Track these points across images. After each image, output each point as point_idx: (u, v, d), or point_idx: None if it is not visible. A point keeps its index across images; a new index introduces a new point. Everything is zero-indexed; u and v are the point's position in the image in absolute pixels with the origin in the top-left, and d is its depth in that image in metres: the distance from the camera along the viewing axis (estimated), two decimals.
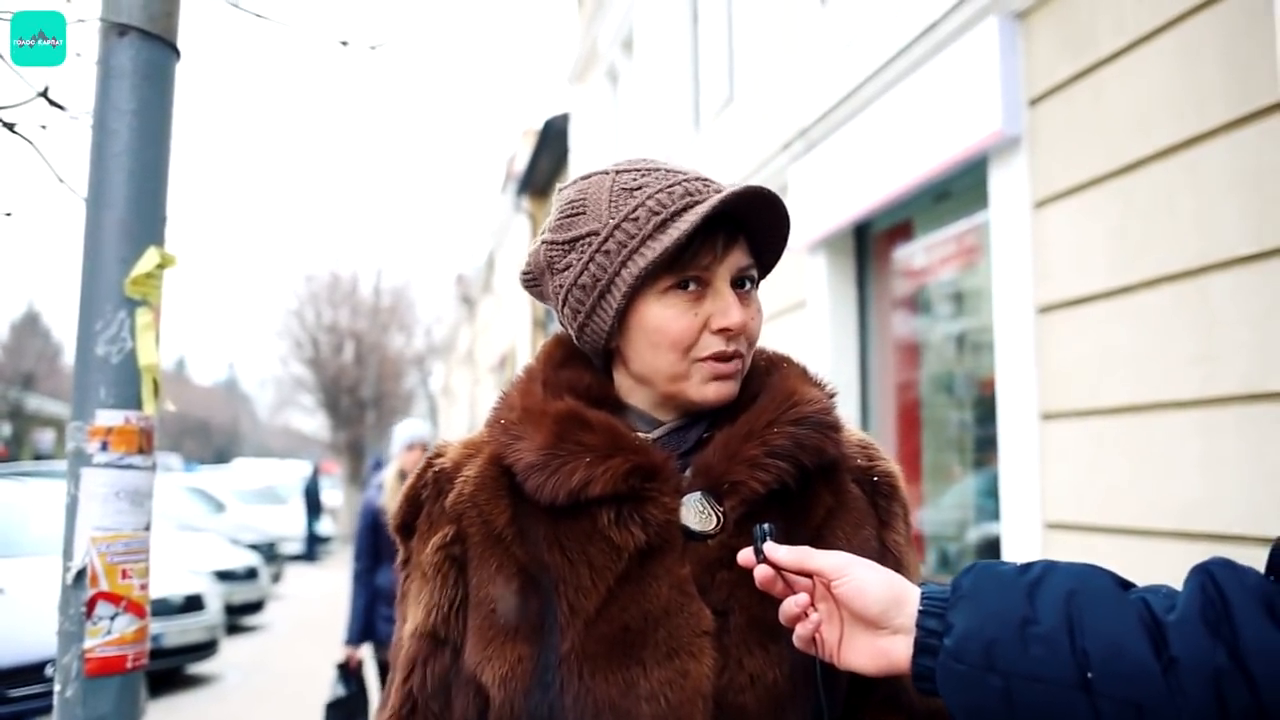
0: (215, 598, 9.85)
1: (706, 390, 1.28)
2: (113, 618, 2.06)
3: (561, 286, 1.33)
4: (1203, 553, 3.81)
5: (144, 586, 2.12)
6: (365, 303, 37.66)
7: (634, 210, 1.27)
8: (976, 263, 6.16)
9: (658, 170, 1.31)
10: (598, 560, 1.23)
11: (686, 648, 1.19)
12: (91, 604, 2.04)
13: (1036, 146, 5.06)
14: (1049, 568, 1.07)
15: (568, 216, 1.33)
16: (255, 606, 13.04)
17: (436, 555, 1.31)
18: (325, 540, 24.49)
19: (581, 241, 1.30)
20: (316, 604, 15.58)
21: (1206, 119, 3.92)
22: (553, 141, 21.22)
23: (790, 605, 1.15)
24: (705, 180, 1.31)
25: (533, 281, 1.43)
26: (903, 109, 6.33)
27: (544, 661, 1.21)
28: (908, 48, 6.14)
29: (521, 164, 26.12)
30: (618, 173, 1.32)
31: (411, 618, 1.33)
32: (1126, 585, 1.05)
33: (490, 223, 36.16)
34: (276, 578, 16.37)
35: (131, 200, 2.10)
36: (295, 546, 22.02)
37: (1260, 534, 3.63)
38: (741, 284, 1.31)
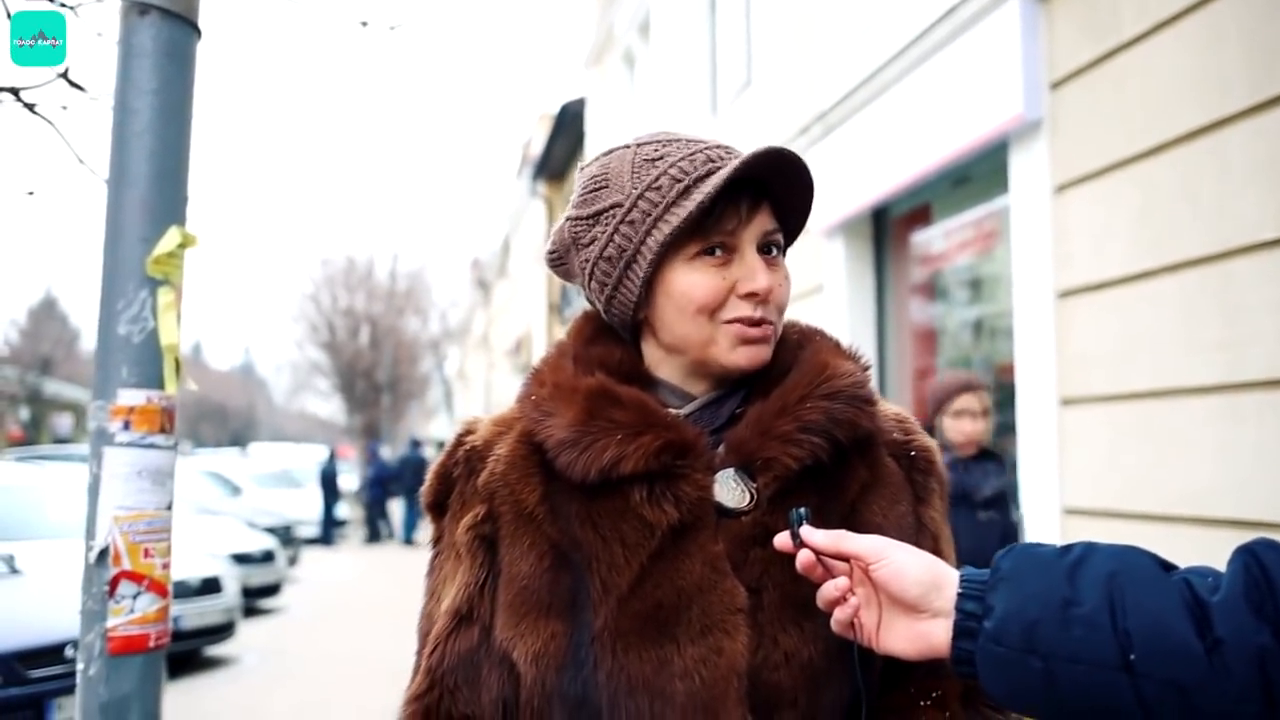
0: (232, 580, 9.86)
1: (737, 355, 1.27)
2: (135, 596, 2.07)
3: (587, 261, 1.33)
4: (1223, 538, 3.77)
5: (166, 565, 2.13)
6: (381, 287, 37.74)
7: (656, 179, 1.26)
8: (995, 248, 6.13)
9: (678, 140, 1.31)
10: (630, 537, 1.22)
11: (720, 625, 1.18)
12: (114, 583, 2.05)
13: (1058, 130, 5.02)
14: (1089, 549, 1.05)
15: (591, 192, 1.33)
16: (272, 589, 13.06)
17: (467, 535, 1.31)
18: (342, 524, 24.56)
19: (605, 214, 1.30)
20: (333, 588, 15.65)
21: (1229, 103, 3.89)
22: (569, 126, 21.20)
23: (830, 589, 1.14)
24: (727, 148, 1.31)
25: (558, 260, 1.43)
26: (922, 93, 6.29)
27: (577, 639, 1.20)
28: (928, 31, 6.10)
29: (537, 148, 26.13)
30: (638, 145, 1.33)
31: (446, 596, 1.33)
32: (1168, 566, 1.03)
33: (506, 207, 36.23)
34: (293, 561, 16.39)
35: (153, 179, 2.10)
36: (311, 530, 22.09)
37: None
38: (768, 250, 1.30)
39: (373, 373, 35.47)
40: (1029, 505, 5.24)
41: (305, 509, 22.31)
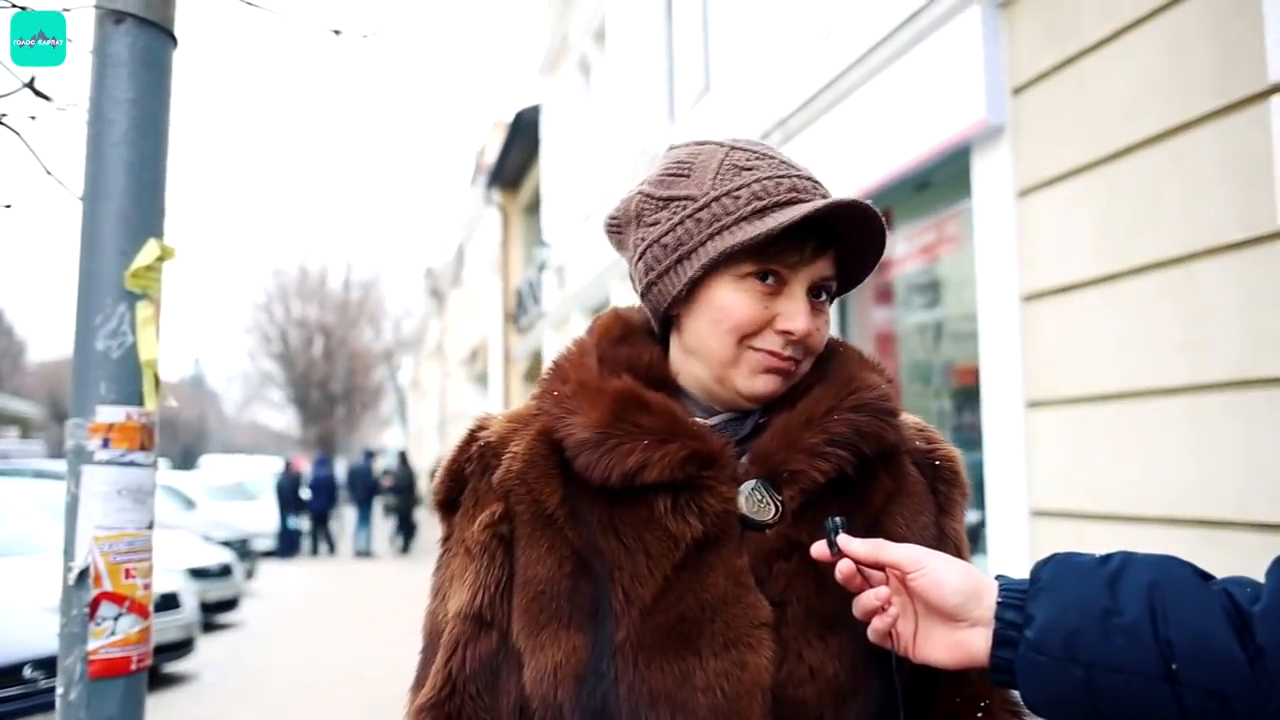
0: (190, 595, 9.73)
1: (756, 382, 1.26)
2: (116, 618, 2.02)
3: (643, 240, 1.31)
4: (1191, 539, 3.80)
5: (147, 586, 2.08)
6: (334, 296, 37.56)
7: (738, 189, 1.24)
8: (958, 252, 6.17)
9: (773, 159, 1.29)
10: (654, 548, 1.20)
11: (744, 639, 1.16)
12: (95, 605, 2.00)
13: (1020, 135, 5.06)
14: (1129, 558, 1.05)
15: (671, 175, 1.31)
16: (230, 604, 12.90)
17: (484, 534, 1.28)
18: (299, 534, 24.25)
19: (677, 202, 1.28)
20: (291, 601, 15.49)
21: (1194, 106, 3.93)
22: (523, 134, 21.15)
23: (869, 599, 1.13)
24: (815, 181, 1.28)
25: (616, 228, 1.40)
26: (884, 99, 6.33)
27: (598, 651, 1.18)
28: (889, 36, 6.14)
29: (491, 156, 26.05)
30: (733, 148, 1.30)
31: (455, 596, 1.30)
32: (1206, 576, 1.04)
33: (460, 215, 36.11)
34: (250, 574, 16.21)
35: (130, 191, 2.05)
36: (268, 543, 21.87)
37: (1251, 519, 3.65)
38: (818, 294, 1.29)
39: (327, 383, 35.26)
40: (995, 508, 5.28)
41: (260, 521, 22.10)
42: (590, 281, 14.71)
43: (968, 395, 6.00)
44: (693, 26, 10.48)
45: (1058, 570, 1.07)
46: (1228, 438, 3.80)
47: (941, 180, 6.17)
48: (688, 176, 1.29)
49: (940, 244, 6.48)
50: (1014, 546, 5.08)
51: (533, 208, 23.22)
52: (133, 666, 2.05)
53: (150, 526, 2.09)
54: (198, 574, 11.63)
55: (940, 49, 5.62)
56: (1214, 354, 3.86)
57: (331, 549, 23.78)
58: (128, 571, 2.03)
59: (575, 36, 16.21)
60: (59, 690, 2.02)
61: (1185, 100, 3.97)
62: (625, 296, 12.76)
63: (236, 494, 24.11)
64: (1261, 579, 1.03)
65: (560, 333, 17.24)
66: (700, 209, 1.26)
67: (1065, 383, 4.72)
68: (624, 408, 1.24)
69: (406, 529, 24.02)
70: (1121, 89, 4.33)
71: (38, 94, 2.52)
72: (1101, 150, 4.43)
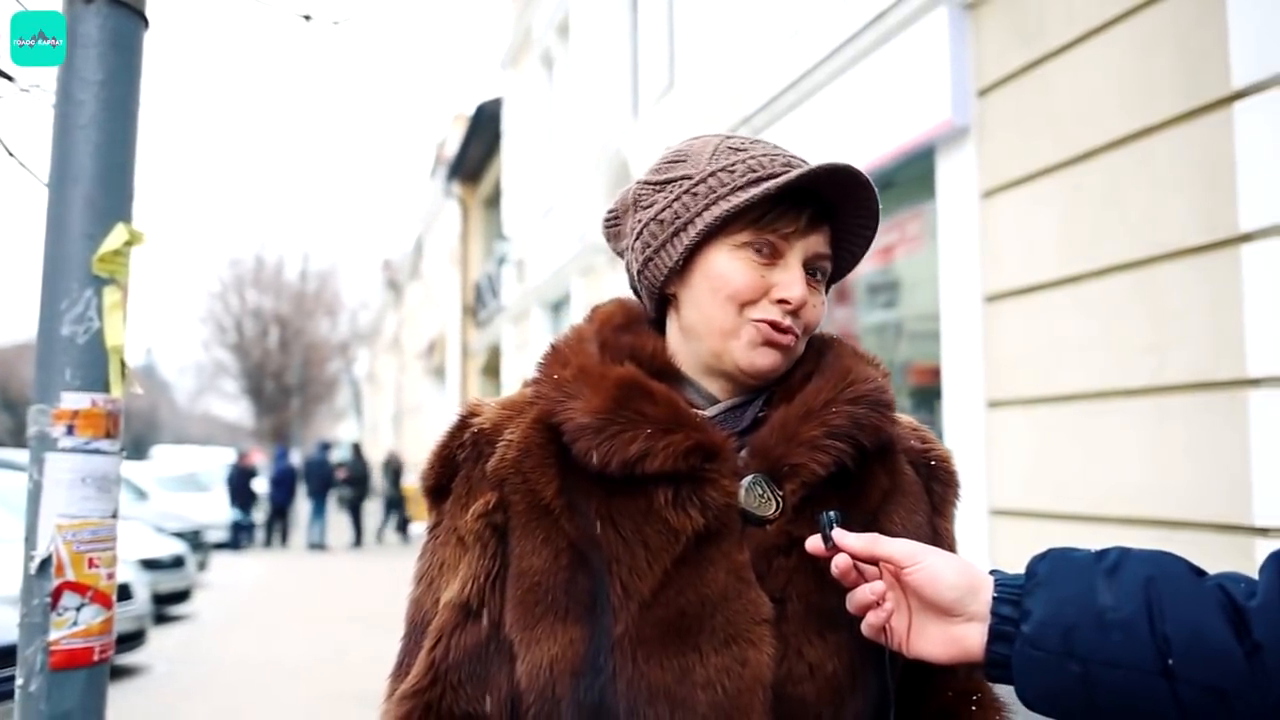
0: (142, 587, 9.58)
1: (755, 355, 1.24)
2: (79, 608, 1.99)
3: (640, 221, 1.32)
4: (1151, 539, 3.86)
5: (111, 576, 2.05)
6: (291, 287, 37.26)
7: (732, 164, 1.25)
8: (920, 252, 6.20)
9: (767, 143, 1.31)
10: (654, 541, 1.18)
11: (745, 635, 1.15)
12: (57, 594, 1.96)
13: (985, 136, 5.10)
14: (1125, 554, 1.05)
15: (667, 163, 1.33)
16: (182, 595, 12.73)
17: (478, 523, 1.25)
18: (253, 527, 24.03)
19: (673, 183, 1.29)
20: (244, 593, 15.34)
21: (1158, 111, 3.97)
22: (484, 127, 21.07)
23: (864, 593, 1.12)
24: (808, 162, 1.29)
25: (614, 221, 1.40)
26: (849, 98, 6.35)
27: (595, 644, 1.16)
28: (856, 36, 6.16)
29: (452, 149, 25.93)
30: (729, 136, 1.32)
31: (448, 587, 1.27)
32: (1200, 572, 1.04)
33: (419, 208, 35.91)
34: (202, 566, 16.02)
35: (98, 175, 2.02)
36: (220, 534, 21.65)
37: (1209, 520, 3.70)
38: (813, 272, 1.28)
39: (282, 375, 34.99)
40: None
41: (213, 513, 21.88)
42: (550, 276, 14.67)
43: (927, 395, 6.03)
44: (658, 22, 10.46)
45: (1054, 565, 1.06)
46: (1188, 439, 3.84)
47: (905, 180, 6.19)
48: (684, 161, 1.30)
49: (902, 244, 6.51)
50: (974, 546, 5.11)
51: (493, 201, 23.13)
52: (95, 657, 2.03)
53: (114, 515, 2.06)
54: (150, 565, 11.47)
55: (906, 49, 5.64)
56: (1174, 356, 3.90)
57: (284, 539, 23.59)
58: (91, 561, 2.00)
59: (539, 30, 16.15)
60: (18, 681, 1.99)
61: (1150, 104, 4.01)
62: (585, 292, 12.75)
63: (189, 485, 23.82)
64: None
65: (519, 327, 17.17)
66: (697, 184, 1.26)
67: (1027, 383, 4.76)
68: (627, 395, 1.22)
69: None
70: (1087, 92, 4.37)
71: (1, 74, 2.47)
72: (1066, 152, 4.47)
